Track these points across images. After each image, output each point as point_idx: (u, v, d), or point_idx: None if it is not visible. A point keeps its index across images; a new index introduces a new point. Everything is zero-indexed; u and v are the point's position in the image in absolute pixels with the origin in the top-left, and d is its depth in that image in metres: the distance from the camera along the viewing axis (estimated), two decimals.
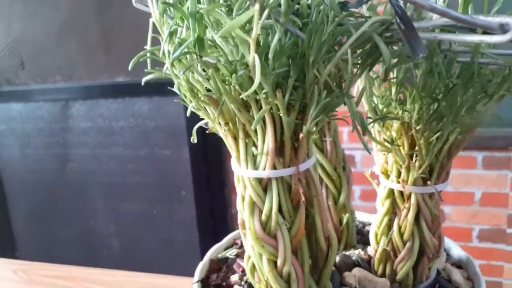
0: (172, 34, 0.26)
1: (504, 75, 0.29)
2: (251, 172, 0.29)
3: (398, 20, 0.23)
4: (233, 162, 0.31)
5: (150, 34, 0.29)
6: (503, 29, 0.22)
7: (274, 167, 0.29)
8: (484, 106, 0.30)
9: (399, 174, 0.35)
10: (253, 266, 0.33)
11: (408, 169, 0.34)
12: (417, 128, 0.32)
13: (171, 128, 1.52)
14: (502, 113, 0.31)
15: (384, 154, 0.36)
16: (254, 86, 0.23)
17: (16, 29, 1.65)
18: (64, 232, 1.80)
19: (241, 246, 0.45)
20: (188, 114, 0.30)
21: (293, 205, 0.31)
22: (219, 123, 0.30)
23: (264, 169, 0.29)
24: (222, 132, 0.30)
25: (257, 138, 0.29)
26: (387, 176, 0.37)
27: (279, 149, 0.29)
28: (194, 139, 0.32)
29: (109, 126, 1.61)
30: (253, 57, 0.23)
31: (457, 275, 0.40)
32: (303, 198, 0.30)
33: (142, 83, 0.30)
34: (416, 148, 0.33)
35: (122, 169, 1.63)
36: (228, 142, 0.30)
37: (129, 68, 0.29)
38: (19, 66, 1.70)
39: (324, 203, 0.38)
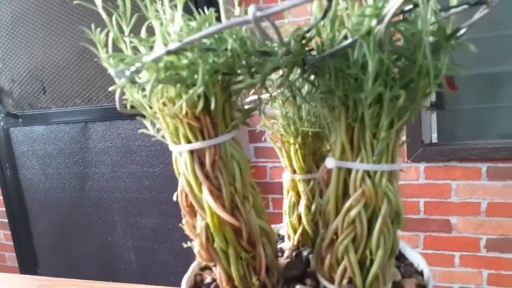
0: None
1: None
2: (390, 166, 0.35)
3: None
4: (346, 163, 0.36)
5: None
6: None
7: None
8: None
9: None
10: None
11: None
12: None
13: None
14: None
15: None
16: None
17: (38, 56, 1.72)
18: (84, 247, 1.84)
19: None
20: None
21: None
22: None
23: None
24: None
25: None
26: None
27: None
28: None
29: (126, 145, 1.65)
30: None
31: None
32: None
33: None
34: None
35: (139, 186, 1.68)
36: (371, 141, 0.35)
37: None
38: (40, 91, 1.76)
39: None
